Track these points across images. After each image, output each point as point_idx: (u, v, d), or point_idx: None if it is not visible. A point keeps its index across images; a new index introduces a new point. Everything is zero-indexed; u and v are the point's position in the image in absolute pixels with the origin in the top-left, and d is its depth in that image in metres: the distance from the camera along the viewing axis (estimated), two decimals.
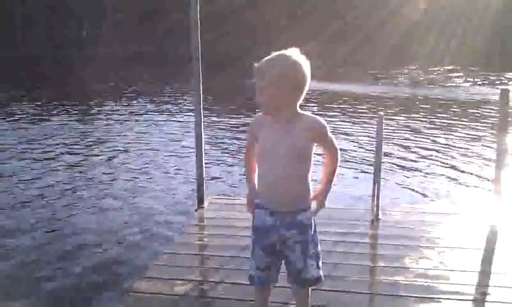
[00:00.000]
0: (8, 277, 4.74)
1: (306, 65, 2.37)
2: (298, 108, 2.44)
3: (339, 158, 2.57)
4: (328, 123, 2.49)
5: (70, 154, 9.78)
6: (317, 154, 2.51)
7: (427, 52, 30.71)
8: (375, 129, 4.99)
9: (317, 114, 2.52)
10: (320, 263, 2.59)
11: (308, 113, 2.48)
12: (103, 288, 4.46)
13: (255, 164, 2.59)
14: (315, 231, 2.57)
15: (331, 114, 13.70)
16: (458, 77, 23.98)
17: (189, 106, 15.77)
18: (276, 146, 2.42)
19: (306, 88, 2.40)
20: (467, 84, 21.36)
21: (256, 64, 2.38)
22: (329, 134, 2.48)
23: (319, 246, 2.59)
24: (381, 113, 4.80)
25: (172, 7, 41.84)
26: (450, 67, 27.52)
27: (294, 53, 2.37)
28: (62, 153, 9.81)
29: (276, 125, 2.44)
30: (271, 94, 2.35)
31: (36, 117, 13.99)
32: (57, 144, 10.50)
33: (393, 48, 32.79)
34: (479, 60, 28.61)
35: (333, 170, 2.56)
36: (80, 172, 8.48)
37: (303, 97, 2.42)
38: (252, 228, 2.60)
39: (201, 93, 4.99)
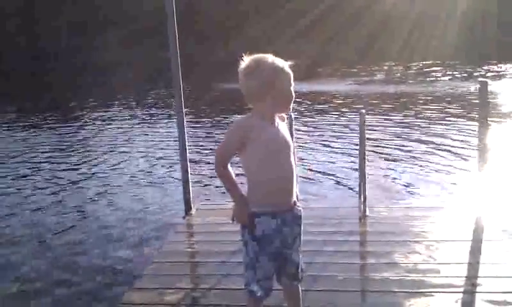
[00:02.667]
0: None
1: (271, 64, 2.41)
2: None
3: None
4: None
5: (53, 162, 9.75)
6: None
7: (403, 47, 30.90)
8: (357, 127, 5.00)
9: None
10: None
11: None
12: (92, 300, 4.40)
13: (232, 173, 2.49)
14: None
15: (312, 114, 13.73)
16: (437, 71, 24.21)
17: (165, 113, 15.75)
18: (282, 146, 2.48)
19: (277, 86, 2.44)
20: (446, 78, 21.60)
21: (243, 71, 2.41)
22: None
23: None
24: (363, 111, 4.82)
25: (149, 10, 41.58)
26: (429, 62, 27.79)
27: (273, 56, 2.44)
28: (42, 162, 9.78)
29: (272, 125, 2.47)
30: (271, 98, 2.41)
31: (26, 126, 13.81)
32: (39, 154, 10.41)
33: (367, 44, 32.81)
34: (457, 54, 28.92)
35: None
36: (63, 179, 8.44)
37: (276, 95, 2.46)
38: (252, 238, 2.45)
39: (182, 101, 4.97)
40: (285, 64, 2.43)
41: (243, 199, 2.48)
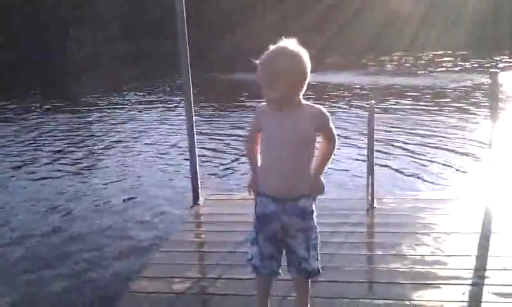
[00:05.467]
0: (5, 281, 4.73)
1: (306, 55, 2.39)
2: (301, 97, 2.47)
3: (335, 148, 2.62)
4: None
5: (64, 153, 9.86)
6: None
7: (413, 37, 30.58)
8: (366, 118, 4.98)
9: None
10: (318, 256, 2.63)
11: (310, 103, 2.53)
12: (100, 288, 4.45)
13: (257, 152, 2.65)
14: (316, 221, 2.62)
15: (319, 104, 13.67)
16: (448, 61, 24.01)
17: (176, 103, 15.83)
18: (279, 135, 2.47)
19: (309, 77, 2.44)
20: (456, 69, 21.41)
21: (258, 62, 2.39)
22: (331, 123, 2.54)
23: (319, 236, 2.63)
24: (372, 102, 4.80)
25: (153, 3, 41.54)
26: (439, 52, 27.54)
27: (294, 45, 2.38)
28: (56, 153, 9.88)
29: (279, 114, 2.47)
30: (280, 89, 2.37)
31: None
32: (49, 146, 10.49)
33: (376, 34, 32.53)
34: (468, 44, 28.64)
35: (328, 156, 2.62)
36: (72, 171, 8.51)
37: (306, 86, 2.44)
38: (255, 215, 2.63)
39: (191, 92, 4.96)
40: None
41: (255, 174, 2.64)
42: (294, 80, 2.37)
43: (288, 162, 2.47)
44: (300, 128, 2.45)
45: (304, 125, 2.45)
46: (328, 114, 2.52)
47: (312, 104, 2.53)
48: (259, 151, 2.64)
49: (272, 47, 2.38)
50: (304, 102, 2.49)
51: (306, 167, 2.54)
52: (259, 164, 2.64)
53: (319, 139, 2.57)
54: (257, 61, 2.40)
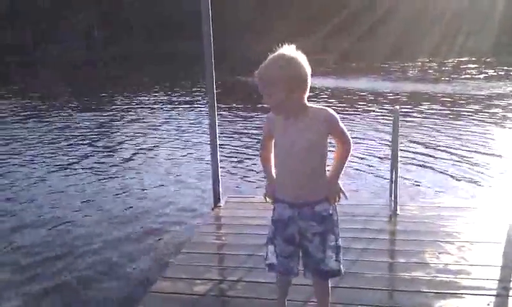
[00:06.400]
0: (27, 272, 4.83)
1: (303, 59, 2.39)
2: (306, 101, 2.47)
3: (350, 149, 2.59)
4: (342, 119, 2.50)
5: (82, 150, 10.09)
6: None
7: (438, 44, 30.20)
8: (390, 124, 4.94)
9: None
10: (340, 257, 2.64)
11: (317, 105, 2.52)
12: (120, 288, 4.49)
13: (270, 157, 2.67)
14: (336, 225, 2.61)
15: (343, 110, 13.62)
16: (473, 68, 23.64)
17: (199, 104, 15.93)
18: (289, 142, 2.48)
19: (310, 80, 2.43)
20: (481, 76, 21.07)
21: (256, 72, 2.42)
22: (341, 124, 2.52)
23: (340, 240, 2.63)
24: (397, 107, 4.75)
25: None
26: (464, 58, 27.15)
27: (289, 51, 2.39)
28: (71, 149, 10.16)
29: (287, 121, 2.49)
30: (278, 97, 2.39)
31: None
32: (68, 141, 10.72)
33: (399, 40, 32.23)
34: (495, 51, 28.16)
35: (343, 160, 2.60)
36: (91, 169, 8.66)
37: (308, 90, 2.44)
38: (272, 220, 2.67)
39: (214, 93, 4.99)
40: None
41: (270, 180, 2.69)
42: (289, 85, 2.36)
43: (299, 168, 2.48)
44: (307, 134, 2.45)
45: (311, 130, 2.45)
46: (337, 115, 2.50)
47: (320, 107, 2.51)
48: (273, 158, 2.66)
49: (269, 55, 2.41)
50: (311, 105, 2.48)
51: (319, 172, 2.54)
52: (273, 170, 2.67)
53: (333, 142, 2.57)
54: (256, 71, 2.43)
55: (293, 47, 2.40)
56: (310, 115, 2.46)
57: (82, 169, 8.62)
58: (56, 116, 14.68)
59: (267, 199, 2.71)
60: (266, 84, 2.39)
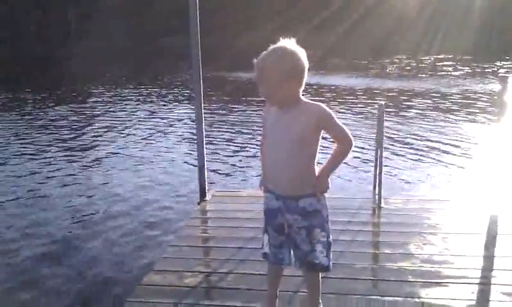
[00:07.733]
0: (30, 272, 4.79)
1: (303, 54, 2.43)
2: (301, 95, 2.50)
3: (348, 148, 2.53)
4: None
5: (69, 147, 9.90)
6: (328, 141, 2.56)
7: (415, 41, 30.61)
8: (375, 120, 5.03)
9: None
10: (330, 254, 2.67)
11: (311, 101, 2.53)
12: (111, 281, 4.48)
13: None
14: (326, 221, 2.63)
15: (327, 105, 13.69)
16: (451, 66, 24.04)
17: (183, 99, 15.89)
18: (278, 134, 2.52)
19: (306, 76, 2.46)
20: (457, 73, 21.45)
21: (255, 60, 2.44)
22: (335, 120, 2.48)
23: (331, 237, 2.67)
24: (382, 103, 4.84)
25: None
26: (441, 56, 27.58)
27: (290, 44, 2.43)
28: (55, 143, 10.01)
29: (279, 112, 2.52)
30: (273, 86, 2.42)
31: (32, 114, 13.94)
32: (54, 138, 10.56)
33: (380, 37, 32.57)
34: (473, 49, 28.64)
35: (338, 158, 2.55)
36: (78, 164, 8.55)
37: (303, 84, 2.47)
38: (264, 211, 2.73)
39: (201, 88, 5.00)
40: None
41: (264, 171, 2.72)
42: (280, 76, 2.38)
43: (285, 161, 2.49)
44: (296, 127, 2.45)
45: (300, 124, 2.44)
46: (329, 110, 2.48)
47: (312, 102, 2.52)
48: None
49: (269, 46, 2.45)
50: (304, 99, 2.51)
51: (306, 167, 2.52)
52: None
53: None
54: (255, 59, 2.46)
55: (293, 40, 2.44)
56: (302, 109, 2.47)
57: (59, 168, 8.45)
58: (29, 112, 14.38)
59: (262, 190, 2.75)
60: (263, 72, 2.42)
